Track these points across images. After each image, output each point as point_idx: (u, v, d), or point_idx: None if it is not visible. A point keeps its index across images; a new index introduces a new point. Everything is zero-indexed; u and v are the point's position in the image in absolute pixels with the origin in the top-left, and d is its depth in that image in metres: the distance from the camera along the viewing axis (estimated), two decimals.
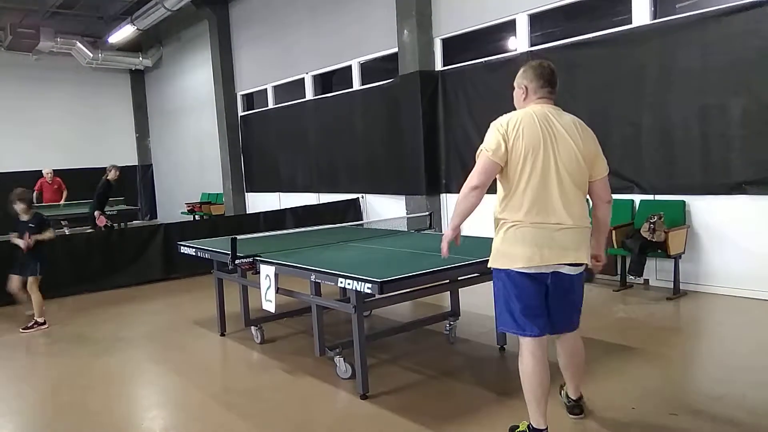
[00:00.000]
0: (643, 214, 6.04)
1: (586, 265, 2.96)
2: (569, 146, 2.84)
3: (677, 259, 5.87)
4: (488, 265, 3.00)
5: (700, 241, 6.01)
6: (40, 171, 12.89)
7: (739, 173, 5.62)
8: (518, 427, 3.11)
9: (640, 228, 5.87)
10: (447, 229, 3.04)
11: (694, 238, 6.03)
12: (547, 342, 2.97)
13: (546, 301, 2.92)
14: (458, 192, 2.94)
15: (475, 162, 2.91)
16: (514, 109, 3.04)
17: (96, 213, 9.33)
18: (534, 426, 2.96)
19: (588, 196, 3.02)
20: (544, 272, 2.86)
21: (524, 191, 2.82)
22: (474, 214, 2.93)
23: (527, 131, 2.81)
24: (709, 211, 5.94)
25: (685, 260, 6.00)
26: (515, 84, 3.06)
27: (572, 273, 2.91)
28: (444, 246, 3.03)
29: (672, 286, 5.94)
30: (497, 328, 3.14)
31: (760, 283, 5.57)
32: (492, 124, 2.92)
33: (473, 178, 2.85)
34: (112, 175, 9.50)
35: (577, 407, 3.26)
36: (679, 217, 6.03)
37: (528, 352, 2.92)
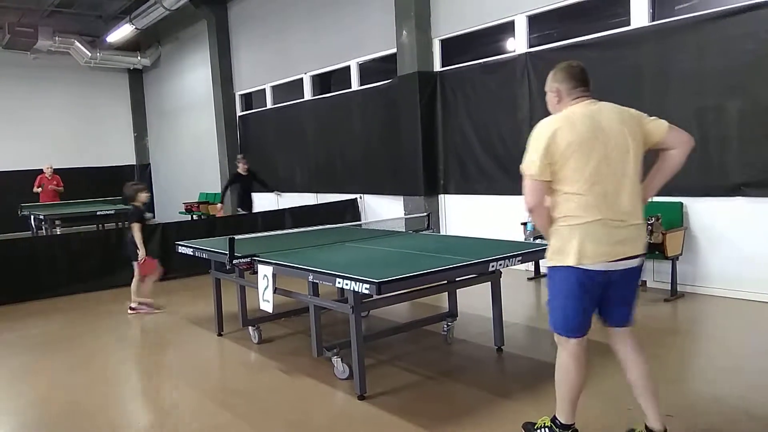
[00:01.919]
0: None
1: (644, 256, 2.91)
2: (617, 138, 2.77)
3: (675, 260, 5.88)
4: (547, 265, 2.93)
5: (698, 242, 6.03)
6: (39, 170, 12.83)
7: (737, 175, 5.64)
8: (535, 423, 3.08)
9: None
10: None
11: (692, 239, 6.04)
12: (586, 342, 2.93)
13: (602, 296, 2.89)
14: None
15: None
16: (540, 112, 2.95)
17: (218, 205, 10.48)
18: (563, 421, 2.96)
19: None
20: (608, 269, 2.79)
21: (582, 191, 2.75)
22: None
23: (572, 136, 2.73)
24: (706, 213, 5.96)
25: (683, 262, 6.01)
26: (546, 89, 2.98)
27: (632, 266, 2.86)
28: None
29: (669, 288, 5.95)
30: (550, 326, 2.98)
31: (757, 285, 5.59)
32: (533, 137, 2.80)
33: (526, 202, 2.80)
34: (241, 167, 9.75)
35: None
36: (676, 218, 6.04)
37: (570, 355, 2.90)
